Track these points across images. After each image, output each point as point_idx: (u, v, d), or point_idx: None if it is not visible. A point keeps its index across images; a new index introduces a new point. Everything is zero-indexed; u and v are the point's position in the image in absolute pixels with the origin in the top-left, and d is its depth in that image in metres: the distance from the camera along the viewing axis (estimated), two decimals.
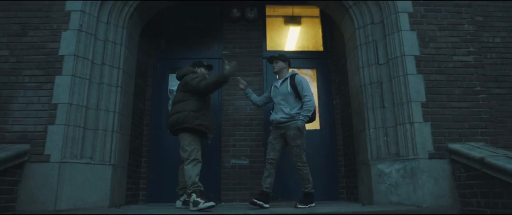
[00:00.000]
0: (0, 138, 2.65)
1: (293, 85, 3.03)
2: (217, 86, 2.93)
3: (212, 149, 3.78)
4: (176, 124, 2.83)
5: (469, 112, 3.06)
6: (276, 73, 3.24)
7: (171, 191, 3.57)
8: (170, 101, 3.66)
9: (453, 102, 3.08)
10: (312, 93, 3.06)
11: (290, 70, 3.29)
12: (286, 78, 3.09)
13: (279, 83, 3.13)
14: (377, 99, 3.25)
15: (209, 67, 3.27)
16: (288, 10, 4.81)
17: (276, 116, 3.02)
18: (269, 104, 3.49)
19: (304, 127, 2.96)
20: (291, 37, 4.77)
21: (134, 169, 3.54)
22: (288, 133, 2.92)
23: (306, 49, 4.59)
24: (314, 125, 4.20)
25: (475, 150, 2.75)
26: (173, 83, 4.14)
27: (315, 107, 3.03)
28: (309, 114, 2.95)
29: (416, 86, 3.09)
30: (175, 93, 3.14)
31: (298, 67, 4.49)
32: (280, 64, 3.18)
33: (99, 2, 3.15)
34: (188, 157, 2.76)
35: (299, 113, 2.95)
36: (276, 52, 4.48)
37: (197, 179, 2.71)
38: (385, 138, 3.12)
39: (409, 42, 3.22)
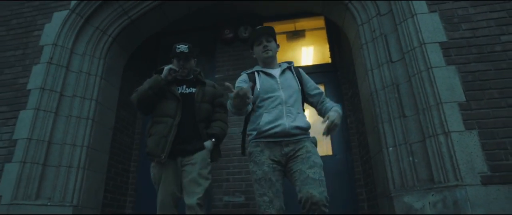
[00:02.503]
0: None
1: (300, 79, 1.85)
2: (144, 95, 1.93)
3: None
4: None
5: None
6: (270, 58, 1.85)
7: None
8: None
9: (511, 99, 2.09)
10: None
11: None
12: (286, 68, 1.86)
13: (277, 73, 1.82)
14: (393, 107, 2.41)
15: (179, 57, 2.04)
16: (290, 26, 4.33)
17: (282, 122, 1.64)
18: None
19: None
20: (295, 53, 4.21)
21: (114, 210, 3.13)
22: (302, 145, 1.64)
23: (312, 63, 3.96)
24: (326, 150, 3.39)
25: None
26: None
27: None
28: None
29: (448, 81, 2.21)
30: None
31: None
32: (273, 45, 1.89)
33: (75, 34, 3.09)
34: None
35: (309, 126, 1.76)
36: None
37: None
38: (411, 158, 2.21)
39: (429, 26, 2.42)
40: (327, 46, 3.96)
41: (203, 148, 1.93)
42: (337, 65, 3.71)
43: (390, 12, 2.71)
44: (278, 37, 4.61)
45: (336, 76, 3.67)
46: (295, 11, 4.04)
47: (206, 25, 4.18)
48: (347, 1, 3.01)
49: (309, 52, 4.20)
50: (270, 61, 1.86)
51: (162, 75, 1.96)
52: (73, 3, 3.18)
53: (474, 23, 2.38)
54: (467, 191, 1.88)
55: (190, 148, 1.90)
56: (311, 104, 1.88)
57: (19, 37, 3.09)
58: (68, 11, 3.12)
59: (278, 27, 4.35)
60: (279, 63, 1.94)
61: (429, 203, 1.99)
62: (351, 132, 3.29)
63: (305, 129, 1.69)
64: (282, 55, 4.25)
